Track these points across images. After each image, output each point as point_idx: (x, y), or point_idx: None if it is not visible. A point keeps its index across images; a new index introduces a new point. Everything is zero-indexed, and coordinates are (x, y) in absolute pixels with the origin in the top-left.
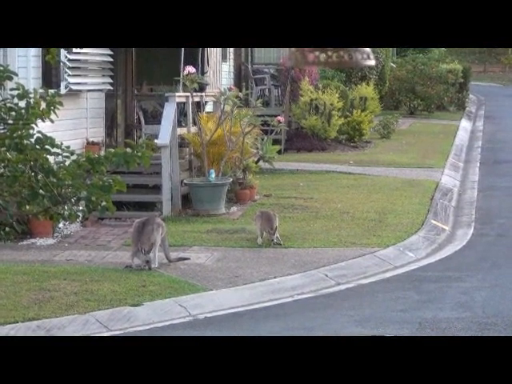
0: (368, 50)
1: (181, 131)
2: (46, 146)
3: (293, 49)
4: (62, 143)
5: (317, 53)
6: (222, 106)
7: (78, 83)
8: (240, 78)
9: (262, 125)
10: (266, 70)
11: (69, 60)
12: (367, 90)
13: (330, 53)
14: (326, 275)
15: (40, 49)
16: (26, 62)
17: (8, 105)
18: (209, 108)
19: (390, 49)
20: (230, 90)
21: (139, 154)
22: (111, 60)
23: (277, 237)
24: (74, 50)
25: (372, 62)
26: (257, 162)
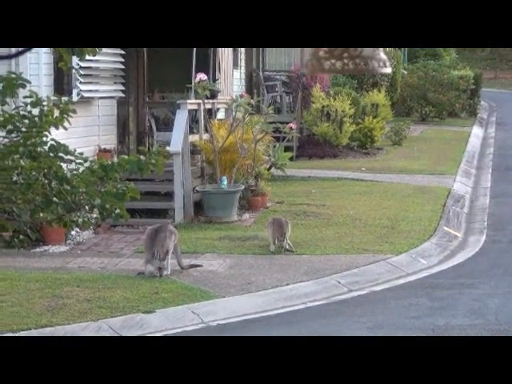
0: (384, 57)
1: (193, 138)
2: (60, 154)
3: (309, 56)
4: (75, 150)
5: (333, 60)
6: (234, 113)
7: (90, 90)
8: (251, 84)
9: (274, 132)
10: (278, 76)
11: (80, 67)
12: (379, 96)
13: (346, 60)
14: (339, 282)
15: (52, 56)
16: (37, 69)
17: (21, 112)
18: (220, 115)
19: (401, 55)
20: (241, 96)
21: (153, 160)
22: (123, 67)
23: (288, 244)
24: (86, 57)
25: (388, 70)
26: (269, 169)
